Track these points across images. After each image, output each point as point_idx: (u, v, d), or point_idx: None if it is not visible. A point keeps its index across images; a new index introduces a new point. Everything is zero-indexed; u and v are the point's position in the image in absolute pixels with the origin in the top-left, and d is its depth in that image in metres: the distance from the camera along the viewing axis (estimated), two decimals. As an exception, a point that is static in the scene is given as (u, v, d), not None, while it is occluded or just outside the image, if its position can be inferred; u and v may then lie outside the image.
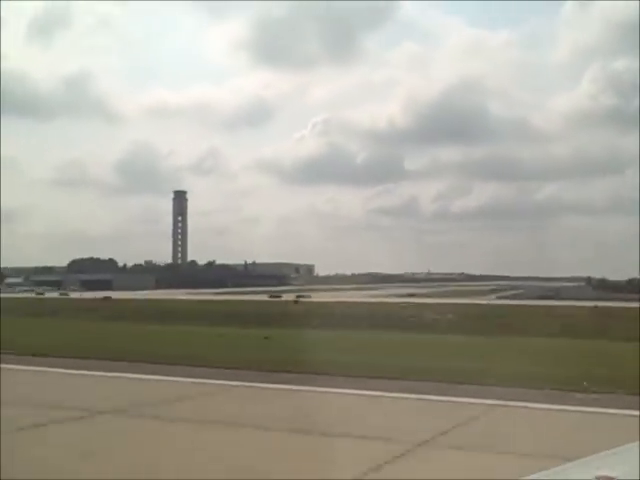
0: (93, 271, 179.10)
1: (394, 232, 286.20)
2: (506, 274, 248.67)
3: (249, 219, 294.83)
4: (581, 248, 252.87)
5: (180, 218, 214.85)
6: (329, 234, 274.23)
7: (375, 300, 52.89)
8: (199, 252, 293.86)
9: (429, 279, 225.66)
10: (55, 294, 78.26)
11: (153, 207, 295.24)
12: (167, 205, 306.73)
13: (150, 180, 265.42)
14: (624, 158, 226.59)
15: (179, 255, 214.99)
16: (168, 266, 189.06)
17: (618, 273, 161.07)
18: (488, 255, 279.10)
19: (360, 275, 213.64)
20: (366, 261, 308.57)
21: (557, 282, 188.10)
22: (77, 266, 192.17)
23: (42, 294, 78.57)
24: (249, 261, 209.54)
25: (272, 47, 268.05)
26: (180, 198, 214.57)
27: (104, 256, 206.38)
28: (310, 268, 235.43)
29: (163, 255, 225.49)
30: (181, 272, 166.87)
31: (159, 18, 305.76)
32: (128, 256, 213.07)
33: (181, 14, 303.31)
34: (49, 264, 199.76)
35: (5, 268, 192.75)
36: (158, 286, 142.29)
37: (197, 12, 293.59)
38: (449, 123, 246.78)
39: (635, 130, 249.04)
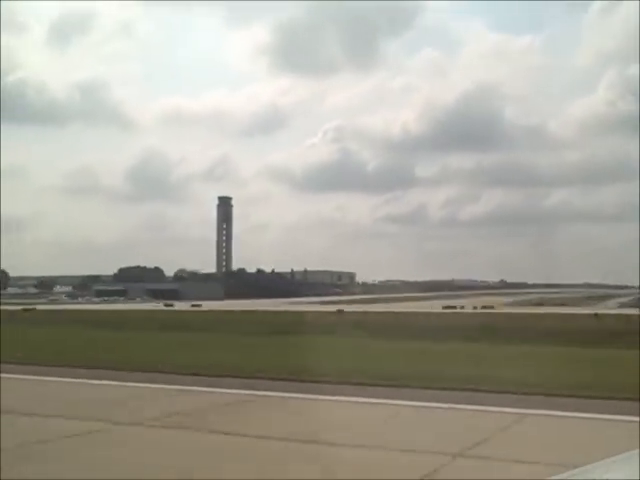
0: (139, 279, 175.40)
1: (417, 239, 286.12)
2: (542, 282, 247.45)
3: (258, 226, 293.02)
4: (603, 255, 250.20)
5: (225, 225, 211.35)
6: (341, 240, 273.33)
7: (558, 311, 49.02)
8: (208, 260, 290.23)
9: (474, 286, 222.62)
10: (186, 305, 74.43)
11: (164, 214, 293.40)
12: (176, 212, 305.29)
13: (160, 188, 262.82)
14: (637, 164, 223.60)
15: (224, 263, 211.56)
16: (229, 274, 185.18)
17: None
18: (505, 262, 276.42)
19: (406, 283, 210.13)
20: (390, 268, 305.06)
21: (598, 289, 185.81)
22: (124, 275, 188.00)
23: (171, 305, 75.10)
24: (296, 269, 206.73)
25: (293, 53, 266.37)
26: (225, 204, 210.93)
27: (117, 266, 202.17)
28: (352, 276, 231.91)
29: (181, 263, 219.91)
30: (246, 281, 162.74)
31: (181, 24, 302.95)
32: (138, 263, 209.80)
33: (204, 20, 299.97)
34: (56, 273, 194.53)
35: (47, 277, 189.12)
36: (227, 296, 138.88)
37: (220, 18, 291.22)
38: (463, 130, 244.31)
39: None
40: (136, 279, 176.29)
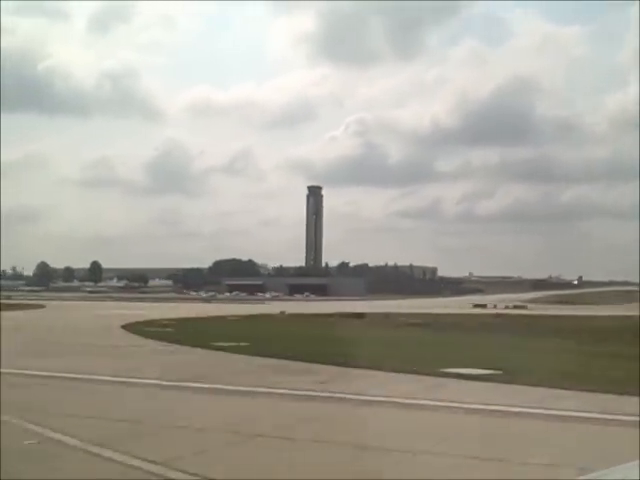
0: (233, 273, 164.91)
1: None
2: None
3: (270, 220, 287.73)
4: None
5: (315, 217, 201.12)
6: (358, 234, 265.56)
7: None
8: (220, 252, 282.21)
9: (563, 284, 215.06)
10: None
11: (180, 208, 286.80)
12: (190, 206, 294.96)
13: (179, 180, 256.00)
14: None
15: (313, 256, 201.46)
16: (369, 270, 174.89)
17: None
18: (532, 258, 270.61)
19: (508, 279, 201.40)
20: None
21: None
22: (220, 267, 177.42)
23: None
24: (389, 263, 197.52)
25: (335, 41, 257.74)
26: (315, 194, 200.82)
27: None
28: (434, 270, 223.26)
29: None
30: (381, 278, 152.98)
31: (224, 13, 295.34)
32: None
33: (248, 8, 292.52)
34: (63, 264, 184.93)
35: (151, 269, 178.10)
36: (370, 292, 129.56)
37: (265, 6, 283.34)
38: (492, 124, 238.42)
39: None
40: (231, 272, 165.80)
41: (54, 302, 68.31)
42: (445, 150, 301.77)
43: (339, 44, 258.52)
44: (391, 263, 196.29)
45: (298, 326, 32.46)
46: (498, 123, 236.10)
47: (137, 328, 29.80)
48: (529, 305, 67.02)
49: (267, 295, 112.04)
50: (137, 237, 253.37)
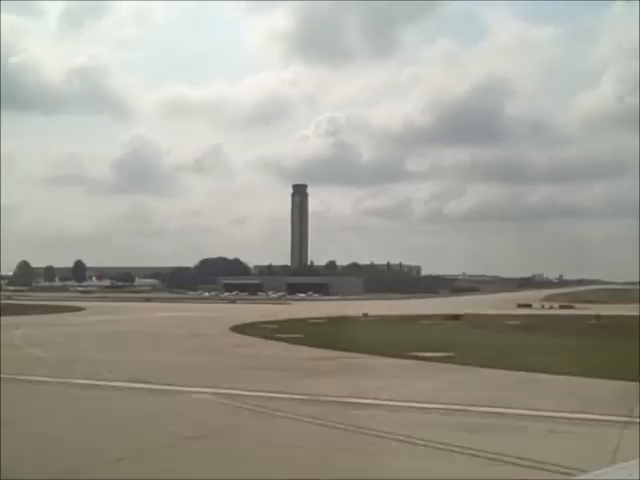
0: (224, 272, 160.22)
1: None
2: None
3: (239, 219, 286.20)
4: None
5: (300, 216, 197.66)
6: (326, 234, 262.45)
7: None
8: (192, 251, 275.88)
9: (547, 283, 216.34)
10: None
11: (151, 206, 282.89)
12: (158, 204, 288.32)
13: (146, 179, 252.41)
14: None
15: (298, 255, 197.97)
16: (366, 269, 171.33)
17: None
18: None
19: (502, 279, 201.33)
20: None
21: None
22: (208, 266, 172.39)
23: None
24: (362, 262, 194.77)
25: (309, 40, 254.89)
26: (300, 193, 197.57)
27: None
28: (418, 269, 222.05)
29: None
30: (378, 276, 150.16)
31: (199, 11, 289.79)
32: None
33: (223, 6, 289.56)
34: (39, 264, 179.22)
35: (131, 268, 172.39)
36: (367, 291, 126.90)
37: (240, 4, 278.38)
38: (464, 124, 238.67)
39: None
40: (219, 271, 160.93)
41: (79, 303, 64.25)
42: (417, 149, 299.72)
43: (313, 42, 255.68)
44: (373, 262, 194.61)
45: (429, 332, 29.74)
46: (471, 124, 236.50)
47: (260, 333, 27.02)
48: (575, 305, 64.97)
49: (271, 294, 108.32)
50: (106, 236, 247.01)
